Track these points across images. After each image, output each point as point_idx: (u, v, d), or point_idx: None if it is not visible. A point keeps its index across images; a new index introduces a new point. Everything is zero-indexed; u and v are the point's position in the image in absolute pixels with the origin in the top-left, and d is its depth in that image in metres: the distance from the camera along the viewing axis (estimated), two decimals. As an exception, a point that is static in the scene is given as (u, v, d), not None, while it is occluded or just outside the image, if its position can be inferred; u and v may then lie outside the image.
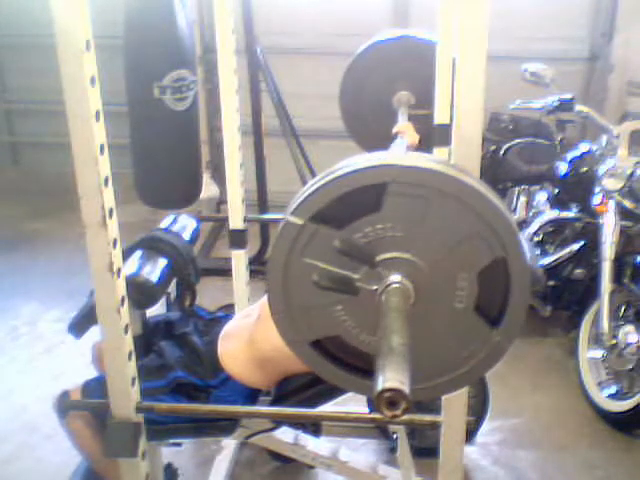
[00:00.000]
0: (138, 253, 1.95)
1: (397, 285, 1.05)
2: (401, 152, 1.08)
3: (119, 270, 1.43)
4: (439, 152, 2.23)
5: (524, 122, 3.93)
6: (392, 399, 0.88)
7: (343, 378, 1.18)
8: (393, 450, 2.37)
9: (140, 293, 1.81)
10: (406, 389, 0.87)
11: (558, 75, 3.27)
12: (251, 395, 1.93)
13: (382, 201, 1.04)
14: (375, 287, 1.07)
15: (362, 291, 1.09)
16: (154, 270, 1.90)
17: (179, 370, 1.91)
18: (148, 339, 2.01)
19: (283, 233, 1.08)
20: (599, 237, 2.92)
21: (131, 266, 1.87)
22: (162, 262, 1.95)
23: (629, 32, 4.36)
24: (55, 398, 1.95)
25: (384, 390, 0.87)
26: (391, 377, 0.88)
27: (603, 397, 2.90)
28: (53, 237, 4.48)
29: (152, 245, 2.01)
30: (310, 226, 1.06)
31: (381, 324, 0.99)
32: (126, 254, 1.87)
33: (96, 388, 1.84)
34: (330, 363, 1.17)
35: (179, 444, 2.25)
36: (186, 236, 2.15)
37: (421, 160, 1.05)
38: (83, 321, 1.83)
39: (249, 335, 1.89)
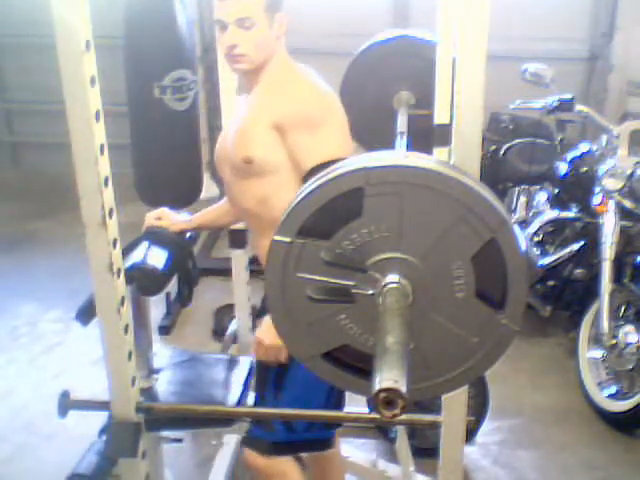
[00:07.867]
0: (145, 244, 1.98)
1: (392, 285, 1.05)
2: (368, 155, 1.08)
3: (119, 270, 1.43)
4: (439, 152, 2.22)
5: (524, 122, 3.92)
6: (388, 399, 0.88)
7: (360, 385, 1.18)
8: (393, 440, 2.36)
9: (148, 280, 1.83)
10: (401, 387, 0.87)
11: (558, 75, 3.27)
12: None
13: (362, 205, 1.04)
14: (371, 291, 1.07)
15: (361, 297, 1.08)
16: (160, 259, 1.93)
17: None
18: None
19: (273, 253, 1.08)
20: (599, 237, 2.92)
21: (138, 255, 1.90)
22: (166, 254, 1.98)
23: (629, 32, 4.37)
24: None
25: (379, 391, 0.88)
26: (385, 377, 0.88)
27: (603, 397, 2.90)
28: (53, 237, 4.48)
29: (155, 238, 2.02)
30: (298, 242, 1.06)
31: (377, 327, 0.99)
32: (132, 246, 1.91)
33: None
34: (346, 372, 1.17)
35: (180, 440, 2.24)
36: (186, 235, 2.17)
37: (386, 159, 1.06)
38: (91, 309, 1.84)
39: None
